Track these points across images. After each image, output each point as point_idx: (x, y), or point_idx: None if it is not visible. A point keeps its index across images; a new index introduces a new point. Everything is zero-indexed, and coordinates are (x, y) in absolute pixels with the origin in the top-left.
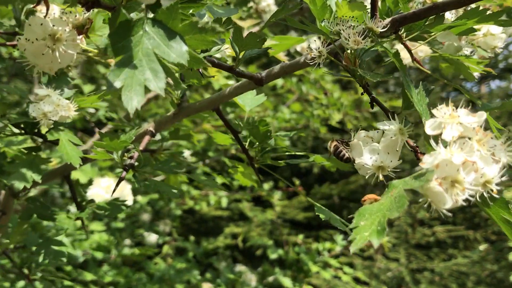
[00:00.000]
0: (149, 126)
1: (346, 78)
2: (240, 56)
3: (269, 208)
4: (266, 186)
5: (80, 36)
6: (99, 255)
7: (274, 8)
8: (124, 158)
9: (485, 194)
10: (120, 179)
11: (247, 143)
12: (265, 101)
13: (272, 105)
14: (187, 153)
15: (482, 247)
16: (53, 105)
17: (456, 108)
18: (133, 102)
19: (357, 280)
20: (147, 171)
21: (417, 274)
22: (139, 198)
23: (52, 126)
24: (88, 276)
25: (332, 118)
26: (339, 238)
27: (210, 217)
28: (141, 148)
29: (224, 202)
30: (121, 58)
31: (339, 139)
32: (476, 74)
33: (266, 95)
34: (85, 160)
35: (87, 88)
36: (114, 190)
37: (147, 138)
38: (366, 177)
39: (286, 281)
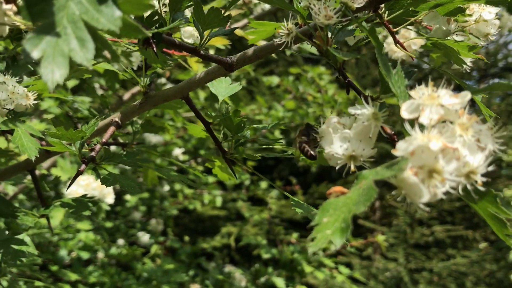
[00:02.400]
0: (114, 116)
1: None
2: (205, 36)
3: (266, 208)
4: (263, 185)
5: (10, 6)
6: (85, 255)
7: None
8: (85, 150)
9: (468, 187)
10: (78, 173)
11: (221, 135)
12: (258, 98)
13: (267, 103)
14: (178, 151)
15: (482, 245)
16: (8, 92)
17: (437, 88)
18: (55, 75)
19: (354, 280)
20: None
21: (415, 274)
22: (128, 197)
23: (12, 115)
24: (73, 277)
25: (326, 116)
26: None
27: (207, 217)
28: (104, 140)
29: (219, 201)
30: (41, 24)
31: (307, 125)
32: (475, 75)
33: (263, 94)
34: (49, 154)
35: (71, 82)
36: (69, 185)
37: (111, 130)
38: (337, 168)
39: (279, 281)
